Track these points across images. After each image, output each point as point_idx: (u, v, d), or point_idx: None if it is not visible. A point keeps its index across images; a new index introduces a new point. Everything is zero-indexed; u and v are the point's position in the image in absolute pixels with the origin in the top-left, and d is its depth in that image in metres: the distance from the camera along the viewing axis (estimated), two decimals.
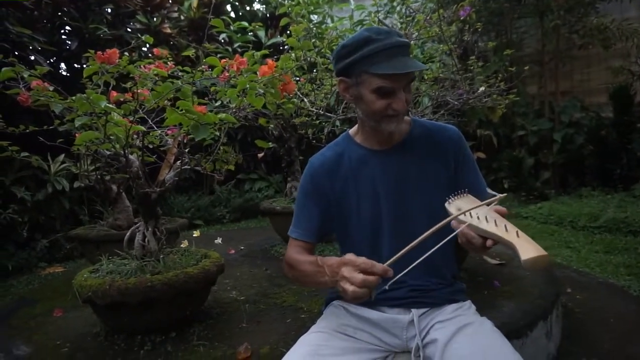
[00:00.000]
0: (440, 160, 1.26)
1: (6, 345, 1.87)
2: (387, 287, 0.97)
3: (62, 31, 4.62)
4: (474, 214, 0.93)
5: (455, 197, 1.05)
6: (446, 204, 1.04)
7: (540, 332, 1.83)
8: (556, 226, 4.64)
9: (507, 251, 2.83)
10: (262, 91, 1.54)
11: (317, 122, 2.91)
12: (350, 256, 1.00)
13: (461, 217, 0.95)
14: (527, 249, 0.78)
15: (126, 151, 1.67)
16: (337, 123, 4.95)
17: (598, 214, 4.48)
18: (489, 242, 0.89)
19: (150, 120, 1.85)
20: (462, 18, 2.43)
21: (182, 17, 5.88)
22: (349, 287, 0.96)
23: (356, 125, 1.34)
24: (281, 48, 6.30)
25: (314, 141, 2.93)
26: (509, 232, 0.84)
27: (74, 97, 1.42)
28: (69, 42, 4.53)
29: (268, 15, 6.79)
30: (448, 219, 0.98)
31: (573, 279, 3.02)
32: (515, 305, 1.94)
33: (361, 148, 1.29)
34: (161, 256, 1.86)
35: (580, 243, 3.92)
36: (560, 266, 3.31)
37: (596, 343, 2.12)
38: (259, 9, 7.07)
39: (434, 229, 0.96)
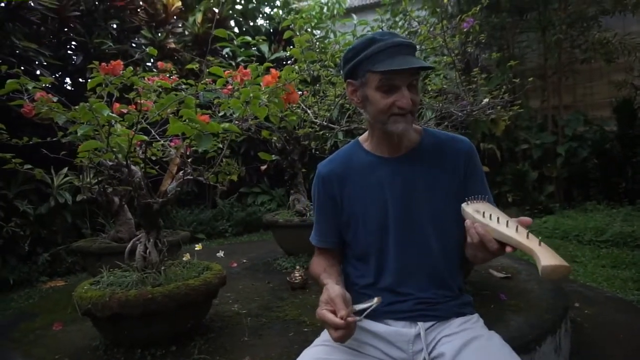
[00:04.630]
0: (449, 170, 1.24)
1: (5, 359, 1.83)
2: (361, 319, 1.05)
3: (68, 46, 4.67)
4: (494, 217, 0.92)
5: (474, 201, 1.04)
6: (463, 205, 1.04)
7: (549, 347, 1.79)
8: (561, 240, 4.59)
9: (514, 264, 2.80)
10: (266, 100, 1.54)
11: (321, 133, 2.91)
12: (324, 315, 1.03)
13: (479, 218, 0.95)
14: (548, 257, 0.78)
15: (128, 161, 1.66)
16: (340, 136, 4.95)
17: (604, 228, 4.44)
18: (508, 249, 0.90)
19: (153, 131, 1.85)
20: (465, 30, 2.44)
21: (186, 32, 5.95)
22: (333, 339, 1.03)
23: (366, 133, 1.33)
24: (284, 63, 6.36)
25: (317, 152, 2.92)
26: (530, 240, 0.84)
27: (76, 107, 1.42)
28: (75, 57, 4.58)
29: (271, 30, 6.87)
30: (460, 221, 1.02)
31: (580, 293, 2.97)
32: (523, 320, 1.89)
33: (370, 155, 1.28)
34: (162, 268, 1.84)
35: (587, 257, 3.87)
36: (566, 280, 3.26)
37: (606, 359, 2.07)
38: (262, 25, 7.15)
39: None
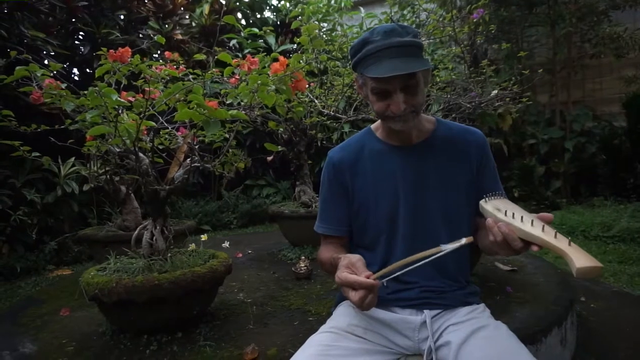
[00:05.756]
0: (461, 162, 1.23)
1: (12, 343, 1.85)
2: (385, 284, 1.01)
3: (76, 36, 4.68)
4: (518, 215, 0.91)
5: (492, 197, 1.03)
6: (482, 202, 1.03)
7: (555, 339, 1.78)
8: (568, 235, 4.56)
9: (519, 257, 2.78)
10: (274, 86, 1.53)
11: (328, 122, 2.90)
12: (346, 276, 0.99)
13: (501, 217, 0.93)
14: (581, 258, 0.76)
15: (136, 146, 1.66)
16: (346, 128, 4.94)
17: (611, 224, 4.40)
18: (534, 247, 0.87)
19: (161, 118, 1.85)
20: (474, 20, 2.41)
21: (193, 24, 5.94)
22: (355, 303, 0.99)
23: (379, 121, 1.32)
24: (290, 56, 6.34)
25: (324, 143, 2.92)
26: (559, 240, 0.81)
27: (85, 92, 1.42)
28: (82, 47, 4.58)
29: (278, 22, 6.84)
30: (487, 220, 0.96)
31: (587, 287, 2.96)
32: (528, 311, 1.89)
33: (382, 143, 1.27)
34: (169, 255, 1.84)
35: (593, 253, 3.84)
36: (572, 274, 3.25)
37: (611, 352, 2.06)
38: (269, 17, 7.12)
39: (428, 252, 0.94)
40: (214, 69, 2.15)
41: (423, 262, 0.95)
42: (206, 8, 5.94)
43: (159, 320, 1.75)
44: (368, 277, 0.97)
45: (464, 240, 0.91)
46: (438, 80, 2.72)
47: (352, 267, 1.02)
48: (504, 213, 0.94)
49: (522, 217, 0.90)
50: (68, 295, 2.50)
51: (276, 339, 1.72)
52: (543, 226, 0.86)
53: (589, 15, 5.69)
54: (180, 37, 5.35)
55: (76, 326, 2.01)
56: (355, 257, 1.05)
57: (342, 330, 1.16)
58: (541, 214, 0.91)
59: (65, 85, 1.72)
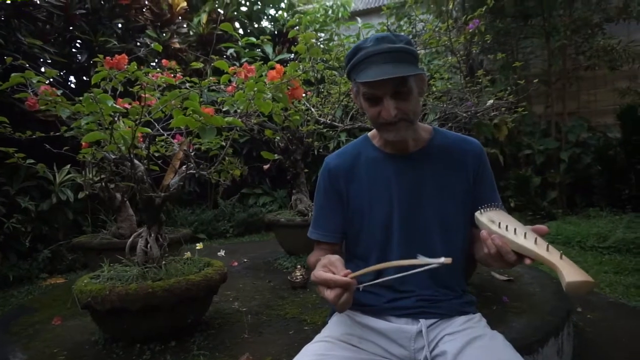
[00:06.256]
0: (458, 171, 1.23)
1: (3, 352, 1.82)
2: (360, 289, 1.01)
3: (73, 44, 4.68)
4: (511, 228, 0.90)
5: (488, 209, 1.02)
6: (477, 214, 1.02)
7: (552, 350, 1.77)
8: (564, 246, 4.56)
9: (516, 268, 2.78)
10: (271, 94, 1.53)
11: (325, 130, 2.90)
12: (321, 274, 0.98)
13: (495, 229, 0.93)
14: (572, 272, 0.75)
15: (131, 152, 1.65)
16: (343, 137, 4.95)
17: (607, 235, 4.41)
18: (527, 261, 0.87)
19: (157, 125, 1.84)
20: (470, 30, 2.43)
21: (191, 33, 5.96)
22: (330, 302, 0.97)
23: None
24: (287, 65, 6.36)
25: (321, 151, 2.92)
26: (551, 253, 0.81)
27: (80, 98, 1.42)
28: (79, 55, 4.59)
29: (276, 32, 6.88)
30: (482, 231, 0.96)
31: (583, 298, 2.95)
32: (525, 322, 1.88)
33: (378, 151, 1.27)
34: (163, 263, 1.83)
35: (589, 263, 3.84)
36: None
37: None
38: (266, 27, 7.16)
39: (407, 262, 0.95)
40: (211, 77, 2.16)
41: (407, 273, 0.95)
42: (204, 17, 5.97)
43: (152, 328, 1.73)
44: (345, 276, 0.95)
45: (442, 260, 0.90)
46: (434, 89, 2.74)
47: (330, 266, 1.00)
48: (497, 225, 0.93)
49: (515, 230, 0.89)
50: (61, 303, 2.47)
51: (271, 349, 1.70)
52: (536, 239, 0.85)
53: (583, 27, 5.77)
54: (177, 45, 5.37)
55: (68, 335, 1.98)
56: (335, 257, 1.04)
57: (337, 340, 1.15)
58: (535, 227, 0.90)
59: (61, 92, 1.72)
